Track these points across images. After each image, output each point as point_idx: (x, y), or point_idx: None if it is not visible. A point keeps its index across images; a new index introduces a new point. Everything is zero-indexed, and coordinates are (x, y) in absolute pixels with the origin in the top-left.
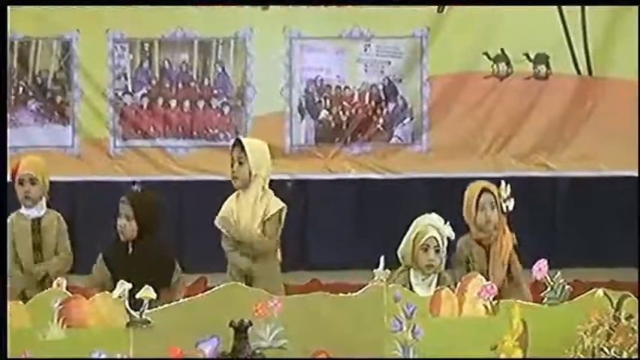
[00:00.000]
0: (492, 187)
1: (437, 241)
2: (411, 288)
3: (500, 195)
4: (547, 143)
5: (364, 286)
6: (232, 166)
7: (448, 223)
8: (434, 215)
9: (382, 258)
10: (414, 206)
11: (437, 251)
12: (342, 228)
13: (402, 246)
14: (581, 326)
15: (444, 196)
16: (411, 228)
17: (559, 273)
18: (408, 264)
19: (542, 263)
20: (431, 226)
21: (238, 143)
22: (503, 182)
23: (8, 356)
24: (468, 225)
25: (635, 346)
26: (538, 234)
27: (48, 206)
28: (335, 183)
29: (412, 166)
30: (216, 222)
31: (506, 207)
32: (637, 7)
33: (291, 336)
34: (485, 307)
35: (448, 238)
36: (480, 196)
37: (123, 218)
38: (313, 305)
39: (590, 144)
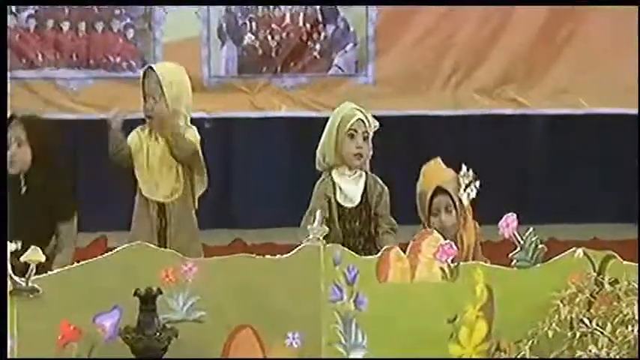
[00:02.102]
0: (449, 183)
1: (365, 125)
2: (334, 193)
3: (459, 184)
4: (516, 75)
5: (296, 246)
6: (146, 101)
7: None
8: (353, 104)
9: (318, 212)
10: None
11: (365, 138)
12: (271, 177)
13: (322, 141)
14: (557, 293)
15: (394, 137)
16: (332, 117)
17: (531, 229)
18: (330, 162)
19: (511, 218)
20: (356, 109)
21: (151, 73)
22: (464, 167)
23: None
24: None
25: (621, 316)
26: (506, 183)
27: None
28: (262, 122)
29: (356, 102)
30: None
31: (468, 195)
32: (637, 7)
33: (209, 307)
34: (443, 270)
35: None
36: (432, 198)
37: (13, 144)
38: (236, 270)
39: (568, 76)
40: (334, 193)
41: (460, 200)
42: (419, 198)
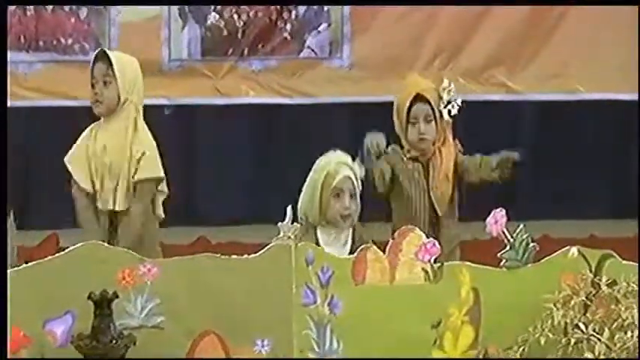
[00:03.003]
0: (429, 93)
1: (352, 183)
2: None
3: (440, 97)
4: (506, 58)
5: (266, 245)
6: (93, 86)
7: (357, 160)
8: (339, 153)
9: (289, 208)
10: (333, 140)
11: (352, 196)
12: (238, 170)
13: (303, 196)
14: (550, 296)
15: (372, 125)
16: (315, 170)
17: (521, 226)
18: (314, 220)
19: (500, 214)
20: (342, 163)
21: (103, 56)
22: (445, 80)
23: None
24: (397, 137)
25: (620, 320)
26: None
27: None
28: (228, 110)
29: (330, 87)
30: (66, 160)
31: (449, 112)
32: (637, 7)
33: (170, 311)
34: (425, 271)
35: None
36: (411, 105)
37: None
38: (199, 271)
39: (562, 58)
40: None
41: (441, 113)
42: (396, 110)
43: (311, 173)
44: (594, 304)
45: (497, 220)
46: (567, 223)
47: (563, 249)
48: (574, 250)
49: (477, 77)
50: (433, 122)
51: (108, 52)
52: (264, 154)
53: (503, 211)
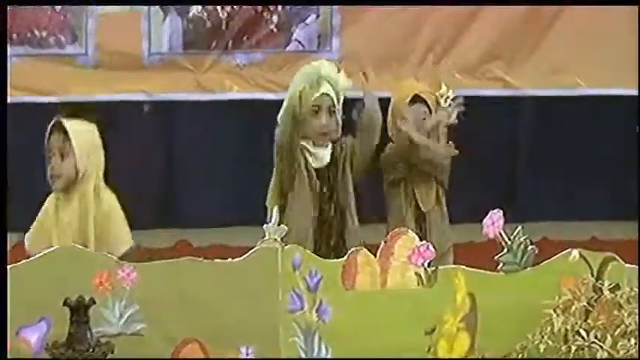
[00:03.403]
0: (427, 94)
1: (331, 99)
2: (304, 156)
3: (437, 102)
4: (504, 51)
5: (250, 248)
6: (50, 159)
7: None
8: (324, 62)
9: (275, 209)
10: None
11: (331, 113)
12: (221, 169)
13: (281, 113)
14: (550, 301)
15: None
16: (295, 82)
17: (519, 228)
18: (286, 139)
19: (497, 215)
20: (322, 78)
21: (59, 127)
22: (444, 86)
23: None
24: (390, 138)
25: (622, 327)
26: (492, 175)
27: None
28: (211, 106)
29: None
30: (25, 239)
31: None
32: (637, 7)
33: (150, 318)
34: (419, 275)
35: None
36: (409, 105)
37: None
38: (180, 276)
39: (563, 52)
40: (304, 157)
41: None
42: (391, 110)
43: (292, 85)
44: (596, 309)
45: (494, 221)
46: (568, 224)
47: (564, 252)
48: (575, 253)
49: (473, 72)
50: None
51: (64, 121)
52: (249, 152)
53: (501, 212)
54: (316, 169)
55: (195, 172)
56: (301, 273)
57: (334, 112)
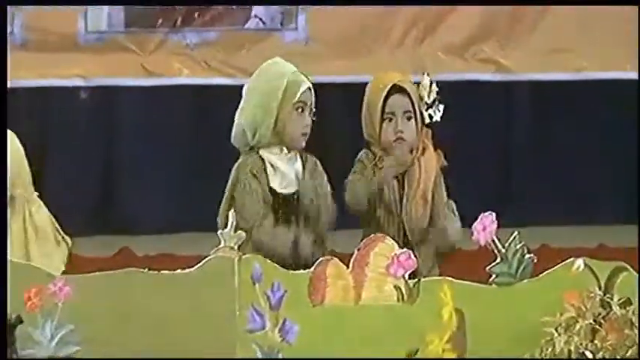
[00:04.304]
0: (408, 84)
1: (312, 96)
2: (266, 173)
3: (420, 97)
4: (496, 29)
5: (203, 258)
6: None
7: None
8: (283, 61)
9: (232, 213)
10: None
11: (310, 112)
12: (169, 166)
13: (251, 110)
14: (551, 318)
15: (333, 111)
16: (267, 78)
17: (516, 234)
18: (263, 140)
19: (489, 219)
20: (298, 73)
21: None
22: (426, 77)
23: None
24: (367, 142)
25: (635, 348)
26: (483, 172)
27: None
28: (158, 92)
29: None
30: None
31: (430, 115)
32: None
33: (88, 339)
34: (398, 289)
35: None
36: (387, 97)
37: None
38: (122, 290)
39: (566, 30)
40: (265, 174)
41: (422, 113)
42: (367, 104)
43: (258, 81)
44: (604, 328)
45: (485, 226)
46: (571, 229)
47: (567, 261)
48: (579, 262)
49: (462, 52)
50: (413, 121)
51: None
52: (202, 147)
53: (493, 216)
54: (282, 196)
55: (139, 169)
56: (262, 287)
57: (311, 110)
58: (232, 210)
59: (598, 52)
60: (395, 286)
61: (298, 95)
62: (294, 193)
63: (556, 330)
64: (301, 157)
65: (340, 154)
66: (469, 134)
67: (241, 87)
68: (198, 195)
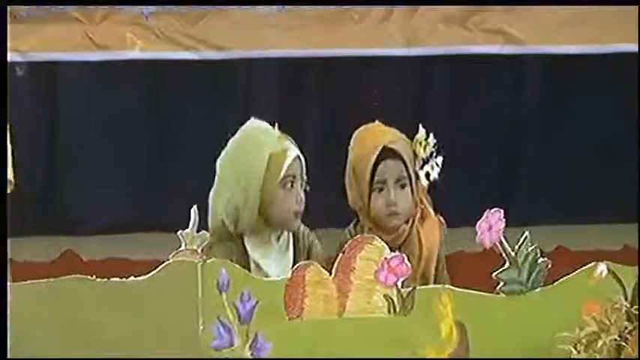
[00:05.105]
0: (400, 142)
1: (302, 166)
2: (247, 265)
3: (415, 153)
4: None
5: (159, 262)
6: None
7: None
8: (267, 125)
9: (194, 209)
10: (255, 109)
11: (302, 184)
12: (120, 154)
13: (233, 197)
14: (569, 333)
15: (309, 89)
16: (247, 152)
17: (527, 234)
18: (249, 226)
19: (495, 216)
20: (283, 138)
21: None
22: (422, 129)
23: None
24: (355, 212)
25: None
26: (487, 162)
27: None
28: (106, 68)
29: (250, 38)
30: None
31: (427, 174)
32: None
33: (24, 357)
34: (389, 299)
35: None
36: (376, 163)
37: None
38: (65, 299)
39: None
40: (247, 267)
41: (417, 176)
42: (352, 170)
43: (232, 155)
44: (631, 344)
45: (491, 225)
46: (591, 229)
47: (587, 266)
48: (602, 267)
49: (463, 21)
50: (408, 188)
51: None
52: (159, 132)
53: (501, 212)
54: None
55: (85, 157)
56: (229, 296)
57: (303, 181)
58: (195, 207)
59: (621, 20)
60: (385, 296)
61: (285, 169)
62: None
63: (575, 347)
64: (295, 247)
65: (315, 136)
66: (471, 116)
67: (203, 62)
68: (155, 188)
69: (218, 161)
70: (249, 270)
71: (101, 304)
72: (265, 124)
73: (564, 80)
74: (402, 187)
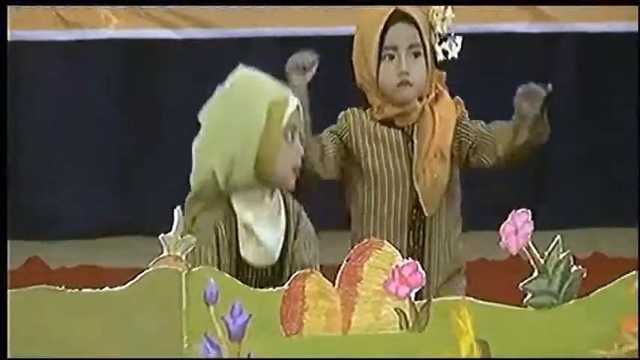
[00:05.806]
0: (416, 13)
1: (300, 114)
2: (237, 240)
3: (431, 26)
4: None
5: (137, 271)
6: None
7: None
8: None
9: (177, 210)
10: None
11: (300, 136)
12: (95, 148)
13: (229, 148)
14: (605, 351)
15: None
16: (246, 102)
17: (557, 238)
18: (244, 182)
19: (523, 218)
20: (283, 87)
21: None
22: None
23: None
24: (360, 91)
25: None
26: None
27: None
28: (79, 48)
29: (237, 14)
30: None
31: (444, 51)
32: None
33: None
34: (401, 312)
35: None
36: (387, 27)
37: None
38: (31, 313)
39: None
40: (235, 240)
41: (433, 49)
42: (359, 40)
43: (226, 107)
44: None
45: (517, 227)
46: (631, 232)
47: (626, 275)
48: None
49: None
50: (422, 58)
51: None
52: (136, 121)
53: (529, 214)
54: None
55: (54, 153)
56: (218, 310)
57: (301, 135)
58: (178, 208)
59: None
60: (396, 310)
61: (287, 117)
62: (272, 266)
63: None
64: (286, 210)
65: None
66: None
67: (185, 42)
68: (132, 187)
69: (205, 112)
70: (238, 239)
71: (71, 318)
72: (259, 72)
73: (606, 63)
74: (416, 55)
